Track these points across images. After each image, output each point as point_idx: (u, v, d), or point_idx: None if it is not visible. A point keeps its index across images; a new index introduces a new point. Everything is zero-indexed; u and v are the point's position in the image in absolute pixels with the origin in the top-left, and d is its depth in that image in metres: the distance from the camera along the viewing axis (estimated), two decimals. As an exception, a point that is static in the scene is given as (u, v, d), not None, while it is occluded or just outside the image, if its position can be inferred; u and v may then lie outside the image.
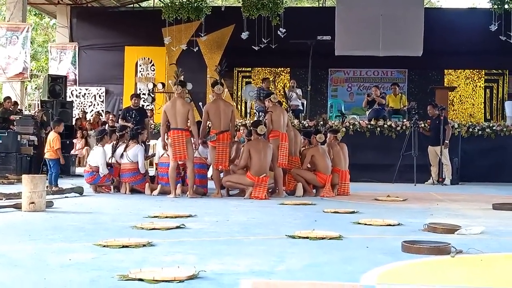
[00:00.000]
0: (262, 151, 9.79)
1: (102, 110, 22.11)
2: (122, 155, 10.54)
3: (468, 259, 4.79)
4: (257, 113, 16.19)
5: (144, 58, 22.76)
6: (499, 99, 21.74)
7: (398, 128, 14.63)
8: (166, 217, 7.04)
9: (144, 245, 5.07)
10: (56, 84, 15.46)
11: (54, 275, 4.03)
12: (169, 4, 20.17)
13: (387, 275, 4.25)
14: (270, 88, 17.77)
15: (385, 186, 12.82)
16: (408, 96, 19.29)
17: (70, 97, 21.13)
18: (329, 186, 10.42)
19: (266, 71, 22.28)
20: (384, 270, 4.35)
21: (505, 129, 14.84)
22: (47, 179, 9.38)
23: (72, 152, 16.31)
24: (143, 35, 21.88)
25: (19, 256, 4.67)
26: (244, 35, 19.13)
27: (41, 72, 30.29)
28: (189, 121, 9.94)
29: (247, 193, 9.80)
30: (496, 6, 17.77)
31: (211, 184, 10.63)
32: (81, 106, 22.41)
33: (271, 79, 20.29)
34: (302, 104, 17.24)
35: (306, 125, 14.44)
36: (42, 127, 14.19)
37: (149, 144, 11.98)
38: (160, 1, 25.64)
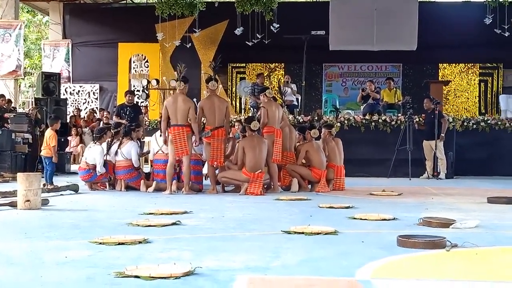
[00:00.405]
0: (257, 147, 9.79)
1: (97, 107, 22.07)
2: (116, 153, 10.52)
3: (463, 253, 4.81)
4: (251, 108, 16.19)
5: (138, 55, 22.71)
6: (493, 93, 21.77)
7: (393, 123, 14.65)
8: (162, 214, 7.04)
9: (140, 242, 5.07)
10: (50, 81, 15.43)
11: (50, 272, 4.03)
12: (163, 0, 20.13)
13: (383, 270, 4.27)
14: (265, 84, 17.76)
15: (380, 181, 12.84)
16: (402, 91, 19.33)
17: (64, 94, 21.06)
18: (324, 181, 10.43)
19: (260, 67, 22.27)
20: (379, 265, 4.36)
21: (499, 123, 14.88)
22: (42, 177, 9.37)
23: (67, 149, 16.30)
24: (137, 32, 21.82)
25: (15, 254, 4.67)
26: (238, 31, 19.11)
27: (35, 69, 30.23)
28: (189, 118, 9.93)
29: (243, 189, 9.81)
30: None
31: (206, 181, 10.64)
32: (75, 103, 22.35)
33: (265, 75, 20.28)
34: (297, 99, 17.24)
35: (301, 120, 14.46)
36: (36, 125, 14.15)
37: (143, 141, 11.96)
38: (153, -3, 25.62)
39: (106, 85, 22.79)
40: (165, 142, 10.15)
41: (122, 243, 5.01)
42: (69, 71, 22.86)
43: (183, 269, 3.95)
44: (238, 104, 21.61)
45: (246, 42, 19.11)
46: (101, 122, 17.30)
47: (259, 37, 19.00)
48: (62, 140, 14.46)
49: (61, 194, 9.47)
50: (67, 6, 23.55)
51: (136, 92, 19.30)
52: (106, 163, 10.49)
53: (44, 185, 9.80)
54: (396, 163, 13.85)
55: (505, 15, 17.67)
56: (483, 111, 21.31)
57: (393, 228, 6.03)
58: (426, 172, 13.93)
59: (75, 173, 13.05)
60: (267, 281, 3.92)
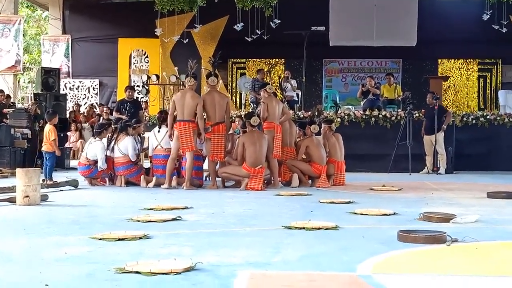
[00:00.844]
0: (257, 142, 9.78)
1: (96, 103, 22.05)
2: (113, 149, 10.50)
3: (464, 247, 4.80)
4: (252, 104, 16.18)
5: (138, 50, 22.68)
6: (492, 88, 21.77)
7: (393, 118, 14.65)
8: (162, 209, 7.03)
9: (140, 238, 5.07)
10: (49, 76, 15.39)
11: (50, 269, 4.02)
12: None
13: (383, 265, 4.26)
14: (265, 79, 17.74)
15: (380, 176, 12.85)
16: (402, 86, 19.32)
17: (63, 89, 21.04)
18: (325, 176, 10.43)
19: (260, 62, 22.25)
20: (380, 260, 4.36)
21: (498, 118, 14.88)
22: (41, 172, 9.36)
23: (67, 145, 16.28)
24: (137, 27, 21.78)
25: (14, 251, 4.66)
26: (238, 27, 19.09)
27: (34, 65, 30.20)
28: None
29: (243, 184, 9.80)
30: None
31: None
32: (75, 98, 22.33)
33: (265, 70, 20.26)
34: (297, 95, 17.23)
35: (301, 116, 14.44)
36: (35, 120, 14.14)
37: (143, 137, 11.96)
38: (153, -8, 25.58)
39: (106, 81, 22.76)
40: (171, 136, 10.14)
41: (122, 239, 5.00)
42: (68, 67, 22.82)
43: (183, 264, 3.95)
44: (238, 99, 21.61)
45: (246, 38, 19.10)
46: (101, 118, 17.28)
47: (259, 33, 18.99)
48: (62, 135, 14.43)
49: (60, 190, 9.46)
50: (66, 1, 23.48)
51: (136, 88, 19.27)
52: (106, 159, 10.48)
53: (43, 180, 9.79)
54: (396, 158, 13.86)
55: (503, 11, 17.65)
56: (482, 107, 21.31)
57: (394, 223, 6.03)
58: (426, 167, 13.94)
59: (74, 168, 13.03)
60: (268, 277, 3.91)
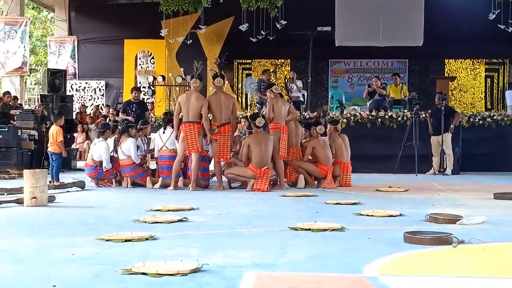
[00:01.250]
0: (262, 143, 9.79)
1: (103, 104, 22.11)
2: (117, 151, 10.51)
3: (470, 249, 4.80)
4: (257, 105, 16.18)
5: (144, 51, 22.72)
6: (499, 89, 21.73)
7: (399, 119, 14.64)
8: (168, 210, 7.04)
9: (146, 239, 5.08)
10: (56, 78, 15.42)
11: (57, 270, 4.03)
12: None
13: (390, 266, 4.26)
14: (271, 80, 17.74)
15: (387, 177, 12.83)
16: (408, 86, 19.30)
17: (70, 91, 21.12)
18: (331, 177, 10.42)
19: (266, 63, 22.25)
20: (386, 261, 4.35)
21: (505, 119, 14.85)
22: (48, 174, 9.39)
23: (73, 146, 16.32)
24: (142, 28, 21.82)
25: (22, 251, 4.67)
26: (243, 27, 19.10)
27: (40, 66, 30.27)
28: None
29: (249, 185, 9.80)
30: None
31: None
32: (81, 100, 22.40)
33: (271, 71, 20.26)
34: (303, 95, 17.22)
35: (307, 116, 14.44)
36: (42, 122, 14.19)
37: (150, 138, 11.98)
38: (159, -7, 25.61)
39: (112, 82, 22.83)
40: (177, 138, 10.15)
41: (129, 240, 5.01)
42: (75, 68, 22.90)
43: (190, 266, 3.95)
44: (244, 100, 21.61)
45: (251, 38, 19.11)
46: (108, 119, 17.32)
47: (264, 33, 19.00)
48: (68, 136, 14.47)
49: (67, 191, 9.48)
50: (72, 3, 23.56)
51: (142, 89, 19.28)
52: (112, 159, 10.50)
53: (50, 181, 9.82)
54: (402, 159, 13.84)
55: (510, 11, 17.60)
56: (489, 107, 21.27)
57: (400, 224, 6.03)
58: (432, 168, 13.91)
59: (81, 169, 13.08)
60: (274, 278, 3.91)
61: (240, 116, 13.81)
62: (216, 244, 4.99)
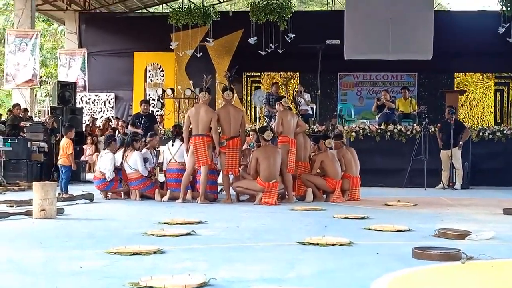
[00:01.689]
0: (271, 156, 9.78)
1: (112, 116, 22.18)
2: (124, 165, 10.53)
3: (479, 265, 4.77)
4: (266, 118, 16.20)
5: (153, 64, 22.83)
6: (509, 103, 21.67)
7: (408, 133, 14.59)
8: (176, 223, 7.04)
9: (154, 252, 5.07)
10: (66, 90, 15.48)
11: (65, 282, 4.04)
12: (177, 9, 20.26)
13: (398, 282, 4.24)
14: (280, 93, 17.74)
15: (395, 191, 12.79)
16: (418, 100, 19.28)
17: (79, 103, 21.23)
18: (339, 191, 10.39)
19: (275, 76, 22.30)
20: (394, 277, 4.33)
21: (515, 133, 14.78)
22: (58, 186, 9.41)
23: (82, 158, 16.37)
24: (152, 41, 21.96)
25: (30, 264, 4.69)
26: (252, 40, 19.16)
27: (51, 78, 30.45)
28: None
29: (257, 198, 9.79)
30: (506, 9, 17.68)
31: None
32: (91, 112, 22.48)
33: (281, 84, 20.29)
34: (312, 108, 17.21)
35: (316, 130, 14.43)
36: (52, 134, 14.24)
37: (159, 150, 12.00)
38: (168, 6, 25.79)
39: (122, 94, 22.93)
40: (187, 151, 10.16)
41: (137, 253, 5.01)
42: (84, 80, 23.02)
43: (197, 280, 3.95)
44: (253, 113, 21.64)
45: (260, 51, 19.16)
46: (117, 131, 17.38)
47: (273, 46, 19.05)
48: (78, 148, 14.52)
49: (76, 203, 9.50)
50: (82, 16, 23.74)
51: (151, 101, 19.39)
52: (120, 171, 10.52)
53: (59, 194, 9.84)
54: (411, 173, 13.80)
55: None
56: (499, 121, 21.20)
57: (409, 239, 6.00)
58: (441, 182, 13.86)
59: (90, 181, 13.10)
60: (282, 293, 3.90)
61: (249, 129, 13.82)
62: (224, 258, 4.99)
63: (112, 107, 22.89)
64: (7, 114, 17.73)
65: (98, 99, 22.97)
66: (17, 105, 16.12)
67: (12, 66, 20.55)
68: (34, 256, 4.99)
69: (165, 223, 7.03)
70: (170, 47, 20.39)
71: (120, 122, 19.22)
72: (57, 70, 25.61)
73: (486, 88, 21.93)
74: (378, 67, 20.95)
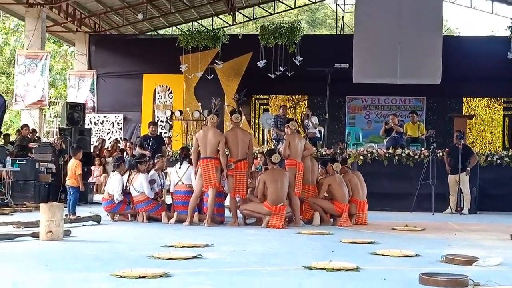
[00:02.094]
0: (278, 180, 9.77)
1: (120, 138, 22.24)
2: (129, 188, 10.53)
3: (487, 292, 4.74)
4: (274, 141, 16.20)
5: (162, 86, 22.94)
6: (518, 128, 21.63)
7: (416, 157, 14.55)
8: (183, 246, 7.03)
9: (160, 276, 5.06)
10: (75, 111, 15.53)
11: (70, 306, 4.03)
12: (187, 32, 20.38)
13: (405, 309, 4.22)
14: (288, 115, 17.77)
15: (403, 215, 12.75)
16: (426, 124, 19.25)
17: (88, 124, 21.30)
18: (346, 215, 10.36)
19: (283, 99, 22.34)
20: (401, 303, 4.31)
21: (524, 158, 14.72)
22: (65, 207, 9.42)
23: (90, 179, 16.39)
24: (161, 63, 22.07)
25: (37, 286, 4.69)
26: (261, 63, 19.23)
27: (60, 99, 30.61)
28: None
29: (264, 222, 9.77)
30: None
31: (227, 213, 10.63)
32: (99, 133, 22.55)
33: (289, 106, 20.33)
34: (320, 132, 17.20)
35: (324, 153, 14.42)
36: (60, 155, 14.27)
37: (166, 172, 12.01)
38: (178, 28, 25.98)
39: (130, 116, 23.00)
40: (195, 173, 10.17)
41: (143, 277, 5.00)
42: (93, 101, 23.12)
43: (203, 304, 3.94)
44: (261, 136, 21.65)
45: (269, 74, 19.22)
46: (125, 153, 17.42)
47: (282, 69, 19.11)
48: (86, 170, 14.53)
49: (83, 225, 9.51)
50: (92, 37, 23.92)
51: (159, 123, 19.42)
52: (129, 193, 10.53)
53: (66, 215, 9.86)
54: (419, 198, 13.74)
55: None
56: (507, 146, 21.13)
57: (416, 265, 5.97)
58: (449, 207, 13.79)
59: (98, 203, 13.10)
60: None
61: (257, 152, 13.83)
62: (230, 282, 4.97)
63: (120, 129, 22.96)
64: (15, 134, 17.79)
65: (106, 120, 23.05)
66: (26, 125, 16.19)
67: (21, 87, 20.67)
68: (40, 278, 4.99)
69: (171, 246, 7.02)
70: (180, 69, 20.48)
71: (128, 144, 19.26)
72: (66, 91, 25.75)
73: (495, 113, 21.91)
74: (387, 91, 20.96)
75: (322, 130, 17.18)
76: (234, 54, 21.04)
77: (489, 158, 14.69)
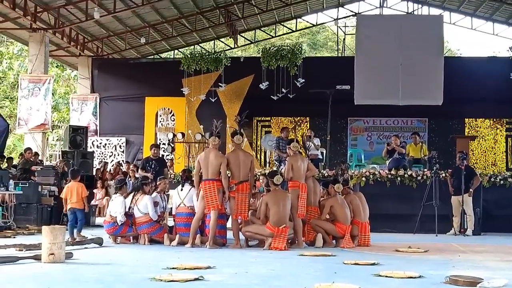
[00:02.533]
0: (280, 201, 9.75)
1: (123, 160, 22.25)
2: (133, 209, 10.52)
3: (491, 313, 4.70)
4: (276, 162, 16.20)
5: (164, 109, 23.00)
6: (521, 148, 21.61)
7: (419, 178, 14.52)
8: (185, 268, 6.99)
9: (162, 298, 5.04)
10: (77, 134, 15.57)
11: (71, 329, 4.01)
12: (189, 55, 20.49)
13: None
14: (290, 137, 17.76)
15: (406, 237, 12.68)
16: (428, 145, 19.26)
17: (91, 147, 21.33)
18: (349, 236, 10.31)
19: (285, 121, 22.38)
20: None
21: (527, 179, 14.68)
22: (66, 230, 9.40)
23: (93, 202, 16.38)
24: (163, 86, 22.17)
25: (37, 309, 4.66)
26: (263, 85, 19.29)
27: (63, 122, 30.68)
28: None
29: (267, 243, 9.73)
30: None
31: (229, 234, 10.59)
32: (101, 156, 22.57)
33: (291, 128, 20.36)
34: (322, 153, 17.19)
35: (326, 174, 14.41)
36: (63, 178, 14.28)
37: (168, 194, 12.00)
38: (180, 52, 26.12)
39: (133, 138, 23.05)
40: (198, 195, 10.16)
41: (145, 299, 4.97)
42: (96, 125, 23.19)
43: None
44: (262, 157, 21.66)
45: (271, 96, 19.27)
46: (128, 176, 17.41)
47: (284, 91, 19.17)
48: (88, 192, 14.53)
49: (85, 247, 9.48)
50: (95, 61, 24.05)
51: (162, 146, 19.43)
52: (132, 215, 10.52)
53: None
54: (422, 219, 13.69)
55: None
56: (511, 167, 21.10)
57: (419, 286, 5.94)
58: (453, 228, 13.74)
59: (100, 226, 13.08)
60: None
61: (259, 174, 13.81)
62: (232, 304, 4.94)
63: (123, 151, 22.99)
64: (19, 158, 17.82)
65: (109, 143, 23.09)
66: (29, 149, 16.22)
67: (24, 111, 20.74)
68: (41, 301, 4.97)
69: (173, 268, 6.99)
70: (183, 92, 20.56)
71: (131, 166, 19.26)
72: (69, 114, 25.83)
73: (497, 134, 21.90)
74: (389, 112, 21.00)
75: (324, 152, 17.17)
76: (236, 76, 21.13)
77: (492, 179, 14.66)
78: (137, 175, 14.00)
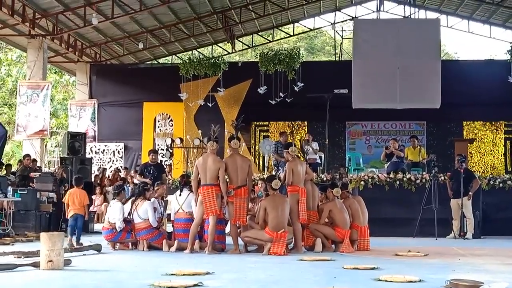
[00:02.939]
0: (279, 206, 9.73)
1: (121, 166, 22.23)
2: (133, 214, 10.50)
3: (492, 317, 4.69)
4: (274, 167, 16.19)
5: (163, 114, 23.00)
6: (520, 151, 21.61)
7: (418, 181, 14.51)
8: (184, 274, 6.97)
9: (161, 304, 5.01)
10: (76, 141, 15.54)
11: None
12: (187, 60, 20.50)
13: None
14: (289, 141, 17.76)
15: (406, 241, 12.67)
16: (427, 149, 19.23)
17: (89, 153, 21.30)
18: (348, 241, 10.29)
19: (283, 125, 22.37)
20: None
21: (526, 181, 14.68)
22: (65, 236, 9.38)
23: (91, 208, 16.35)
24: (162, 91, 22.17)
25: (35, 317, 4.64)
26: (261, 90, 19.29)
27: (61, 129, 30.67)
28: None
29: (266, 249, 9.71)
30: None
31: (228, 240, 10.57)
32: (100, 162, 22.55)
33: (289, 132, 20.36)
34: (320, 157, 17.18)
35: (324, 179, 14.39)
36: (61, 184, 14.26)
37: (167, 200, 11.98)
38: (178, 57, 26.14)
39: (131, 144, 23.04)
40: (196, 201, 10.14)
41: (143, 306, 4.95)
42: (94, 131, 23.18)
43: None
44: (261, 162, 21.65)
45: (269, 100, 19.26)
46: (126, 182, 17.39)
47: (282, 95, 19.16)
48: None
49: (83, 254, 9.45)
50: (93, 67, 24.05)
51: (160, 151, 19.42)
52: (130, 221, 10.49)
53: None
54: (421, 223, 13.66)
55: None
56: (510, 169, 21.09)
57: (419, 290, 5.92)
58: (452, 232, 13.72)
59: (98, 232, 13.05)
60: None
61: (257, 178, 13.78)
62: (231, 310, 4.92)
63: (121, 157, 22.97)
64: (17, 164, 17.80)
65: (107, 149, 23.07)
66: (27, 155, 16.21)
67: (23, 117, 20.72)
68: (39, 309, 4.94)
69: (172, 274, 6.97)
70: (181, 98, 20.55)
71: (132, 172, 19.25)
72: (67, 120, 25.81)
73: (496, 137, 21.90)
74: (387, 116, 21.01)
75: (323, 156, 17.16)
76: (234, 81, 21.13)
77: (491, 182, 14.66)
78: (135, 181, 13.96)
